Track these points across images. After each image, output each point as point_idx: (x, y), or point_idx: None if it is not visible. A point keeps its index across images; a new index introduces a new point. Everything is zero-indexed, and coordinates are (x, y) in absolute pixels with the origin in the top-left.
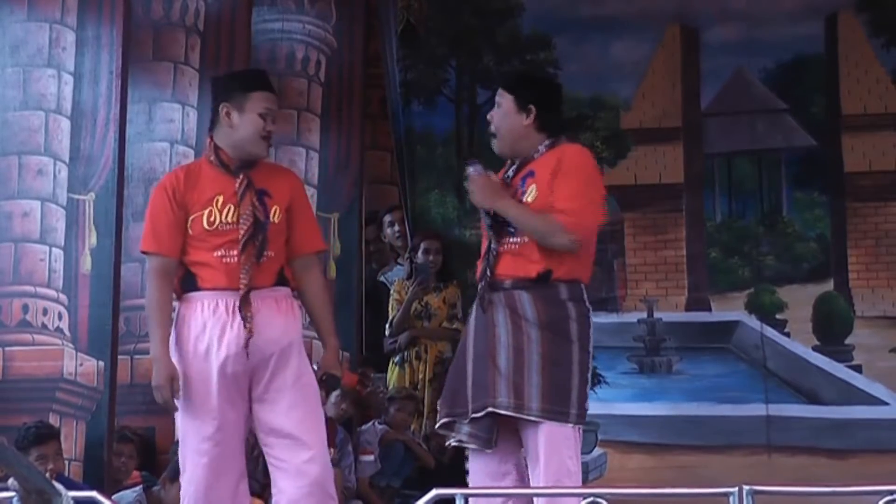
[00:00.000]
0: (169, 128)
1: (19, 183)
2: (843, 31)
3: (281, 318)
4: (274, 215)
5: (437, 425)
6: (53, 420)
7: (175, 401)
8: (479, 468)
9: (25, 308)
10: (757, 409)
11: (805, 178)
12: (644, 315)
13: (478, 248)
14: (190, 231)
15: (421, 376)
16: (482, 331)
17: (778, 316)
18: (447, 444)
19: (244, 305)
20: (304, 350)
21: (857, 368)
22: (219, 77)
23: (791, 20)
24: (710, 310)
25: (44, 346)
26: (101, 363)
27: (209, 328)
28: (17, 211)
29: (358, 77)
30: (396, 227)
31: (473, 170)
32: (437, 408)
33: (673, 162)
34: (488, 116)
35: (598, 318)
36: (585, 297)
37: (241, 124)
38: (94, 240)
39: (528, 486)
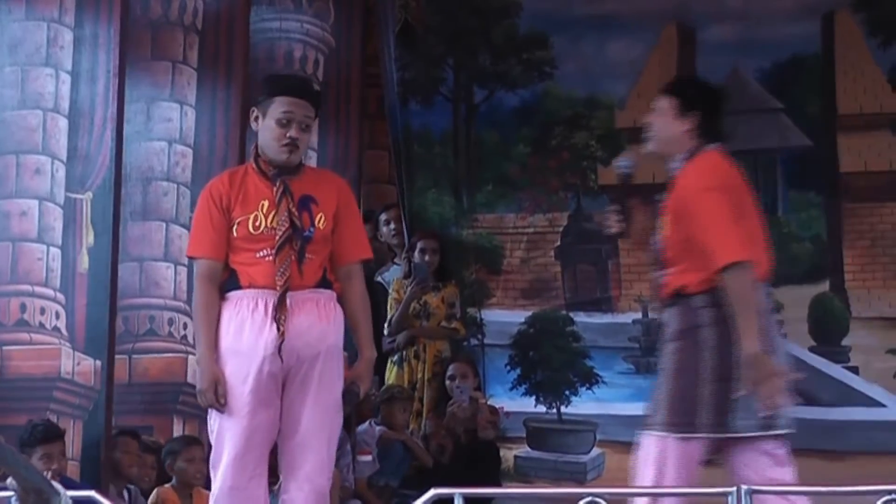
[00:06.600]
0: (167, 127)
1: (17, 182)
2: (839, 31)
3: (319, 322)
4: (319, 222)
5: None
6: (51, 419)
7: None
8: None
9: (23, 307)
10: None
11: (801, 178)
12: (639, 315)
13: (475, 247)
14: (235, 234)
15: (419, 375)
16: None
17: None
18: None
19: (279, 308)
20: (341, 357)
21: (854, 370)
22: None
23: (788, 19)
24: None
25: (41, 346)
26: (99, 362)
27: (247, 327)
28: (14, 210)
29: (356, 76)
30: (392, 226)
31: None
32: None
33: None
34: None
35: (593, 319)
36: None
37: (263, 130)
38: (91, 239)
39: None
